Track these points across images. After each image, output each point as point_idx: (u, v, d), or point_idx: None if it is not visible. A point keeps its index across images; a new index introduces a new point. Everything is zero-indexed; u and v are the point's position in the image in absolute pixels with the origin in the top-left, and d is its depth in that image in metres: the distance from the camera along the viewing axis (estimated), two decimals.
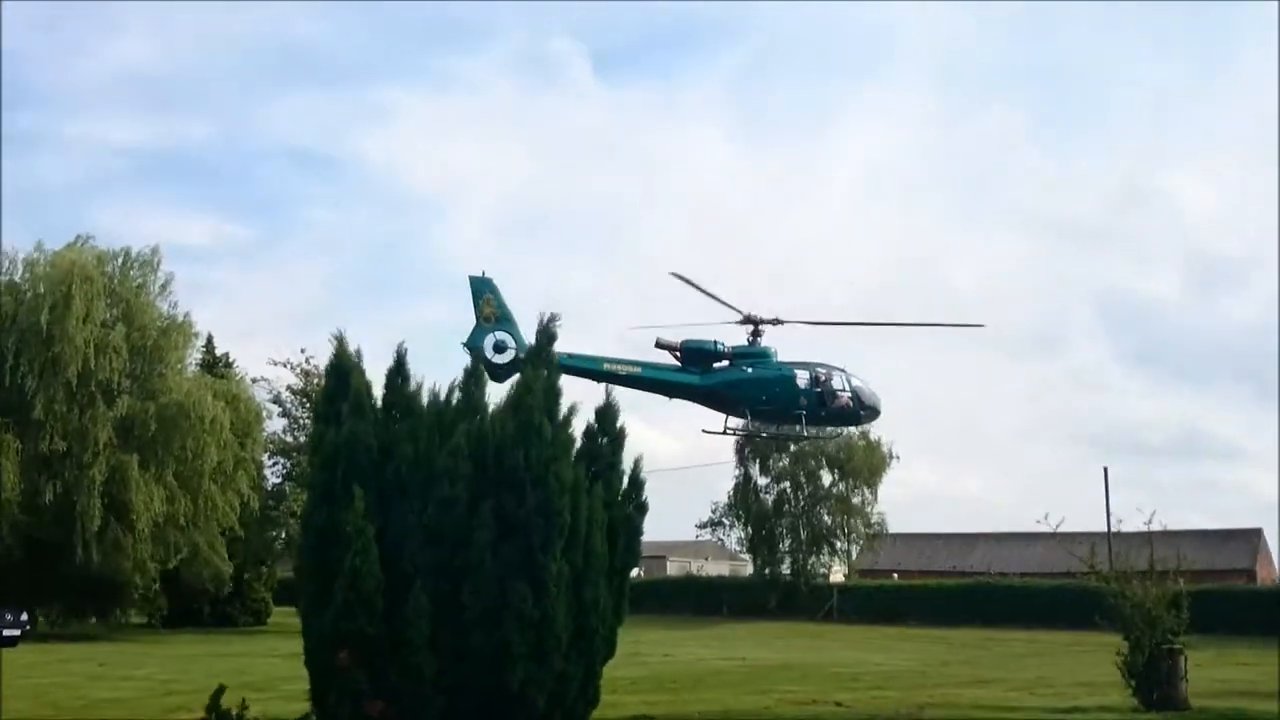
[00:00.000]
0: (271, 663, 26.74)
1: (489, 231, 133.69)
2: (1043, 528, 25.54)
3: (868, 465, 57.48)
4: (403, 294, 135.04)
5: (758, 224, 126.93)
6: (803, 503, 58.25)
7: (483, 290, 20.81)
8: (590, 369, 21.03)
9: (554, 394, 12.37)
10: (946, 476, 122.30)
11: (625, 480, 13.10)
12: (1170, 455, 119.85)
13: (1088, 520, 41.25)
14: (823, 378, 22.13)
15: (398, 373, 12.95)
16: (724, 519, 61.06)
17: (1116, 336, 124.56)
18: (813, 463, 57.68)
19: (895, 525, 62.51)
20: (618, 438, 12.99)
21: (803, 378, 22.02)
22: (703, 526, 62.21)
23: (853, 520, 58.76)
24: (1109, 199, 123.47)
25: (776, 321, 21.94)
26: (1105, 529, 27.87)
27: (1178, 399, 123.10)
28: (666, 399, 22.41)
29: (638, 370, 21.63)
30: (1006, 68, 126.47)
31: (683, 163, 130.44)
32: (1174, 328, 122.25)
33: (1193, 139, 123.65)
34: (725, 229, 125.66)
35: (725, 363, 21.96)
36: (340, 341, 12.80)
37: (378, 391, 12.93)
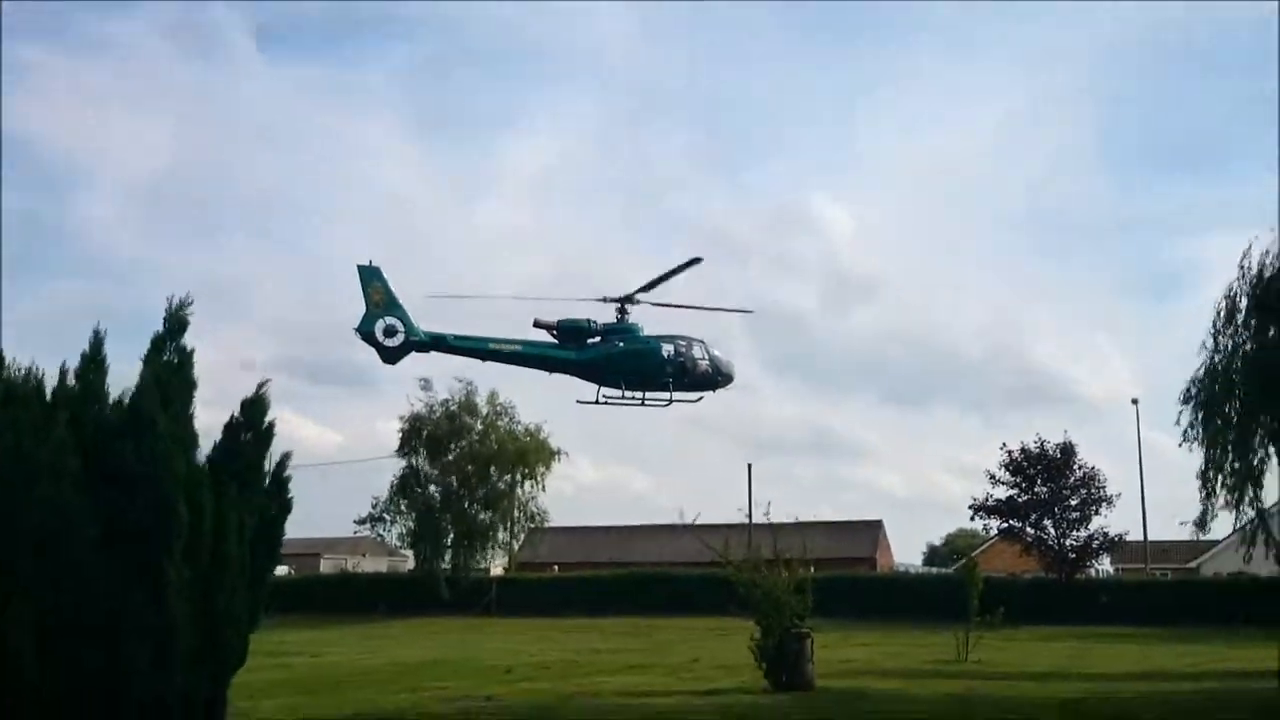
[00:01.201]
0: None
1: (135, 207, 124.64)
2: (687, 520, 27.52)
3: (532, 460, 57.99)
4: (33, 272, 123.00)
5: (433, 217, 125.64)
6: (467, 496, 57.89)
7: (371, 279, 21.82)
8: (476, 349, 22.79)
9: (186, 385, 11.47)
10: (610, 473, 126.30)
11: (268, 479, 12.27)
12: (806, 453, 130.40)
13: (737, 514, 43.95)
14: (684, 349, 23.79)
15: None
16: (385, 514, 59.40)
17: (763, 344, 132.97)
18: (479, 455, 57.42)
19: (560, 519, 63.76)
20: (265, 434, 12.15)
21: (667, 349, 23.60)
22: (361, 522, 59.96)
23: (515, 513, 59.16)
24: (761, 216, 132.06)
25: (633, 299, 23.39)
26: (748, 521, 29.64)
27: (813, 402, 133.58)
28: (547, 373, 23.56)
29: (519, 348, 23.00)
30: (676, 87, 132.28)
31: (353, 150, 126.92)
32: (811, 338, 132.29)
33: (837, 167, 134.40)
34: (399, 220, 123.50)
35: (598, 338, 23.32)
36: None
37: None
